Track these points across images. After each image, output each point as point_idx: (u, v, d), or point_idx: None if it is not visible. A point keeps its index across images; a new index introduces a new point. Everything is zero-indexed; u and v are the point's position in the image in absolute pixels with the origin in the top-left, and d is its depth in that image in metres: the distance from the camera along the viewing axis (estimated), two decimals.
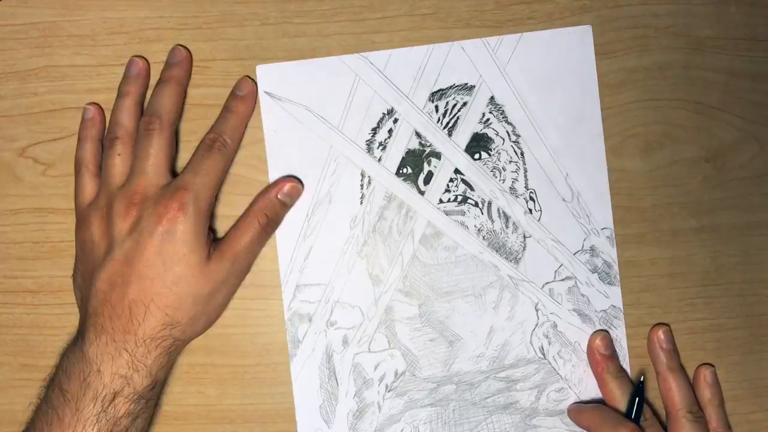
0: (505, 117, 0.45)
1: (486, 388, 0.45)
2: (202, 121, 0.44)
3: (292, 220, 0.44)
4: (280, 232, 0.44)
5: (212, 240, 0.42)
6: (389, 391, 0.44)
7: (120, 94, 0.44)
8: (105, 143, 0.43)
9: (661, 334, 0.44)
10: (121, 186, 0.41)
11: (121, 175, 0.42)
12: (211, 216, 0.43)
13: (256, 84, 0.44)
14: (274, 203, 0.43)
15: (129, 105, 0.43)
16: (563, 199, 0.45)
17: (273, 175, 0.44)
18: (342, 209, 0.45)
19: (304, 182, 0.44)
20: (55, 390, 0.38)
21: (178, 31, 0.44)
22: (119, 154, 0.42)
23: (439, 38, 0.45)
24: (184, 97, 0.44)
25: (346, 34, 0.45)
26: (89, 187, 0.43)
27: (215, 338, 0.44)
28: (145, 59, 0.44)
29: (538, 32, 0.45)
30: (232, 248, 0.42)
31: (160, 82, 0.43)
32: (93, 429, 0.37)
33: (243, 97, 0.44)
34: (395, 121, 0.45)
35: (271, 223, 0.43)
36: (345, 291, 0.45)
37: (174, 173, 0.43)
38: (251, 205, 0.43)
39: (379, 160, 0.45)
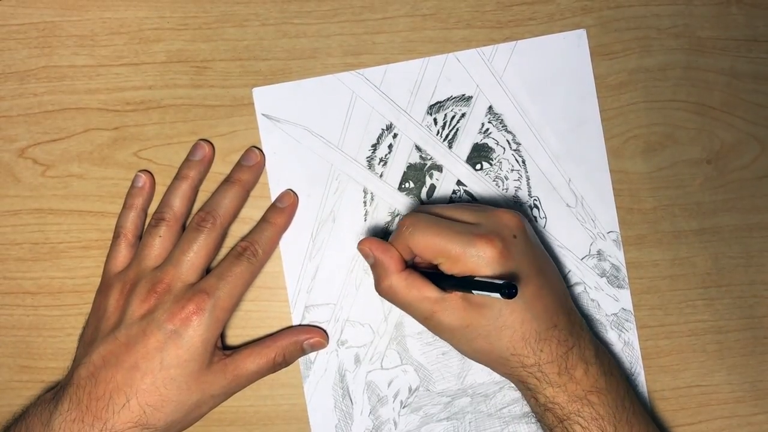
0: (505, 126, 0.45)
1: (501, 399, 0.44)
2: (201, 122, 0.44)
3: (297, 240, 0.44)
4: (286, 253, 0.44)
5: (220, 347, 0.41)
6: (404, 407, 0.44)
7: (178, 176, 0.43)
8: (151, 220, 0.42)
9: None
10: (152, 268, 0.41)
11: (156, 258, 0.41)
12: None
13: (297, 197, 0.44)
14: (297, 349, 0.43)
15: (185, 190, 0.42)
16: (567, 205, 0.45)
17: (275, 196, 0.44)
18: (346, 227, 0.44)
19: (306, 202, 0.44)
20: None
21: (178, 32, 0.44)
22: (160, 236, 0.41)
23: (439, 39, 0.44)
24: (245, 200, 0.43)
25: (346, 35, 0.44)
26: (121, 256, 0.42)
27: None
28: (212, 144, 0.44)
29: (532, 39, 0.44)
30: (237, 369, 0.41)
31: (228, 181, 0.43)
32: None
33: (283, 210, 0.43)
34: (395, 136, 0.45)
35: (284, 363, 0.43)
36: (354, 309, 0.44)
37: (208, 271, 0.42)
38: (276, 336, 0.43)
39: (381, 176, 0.45)
